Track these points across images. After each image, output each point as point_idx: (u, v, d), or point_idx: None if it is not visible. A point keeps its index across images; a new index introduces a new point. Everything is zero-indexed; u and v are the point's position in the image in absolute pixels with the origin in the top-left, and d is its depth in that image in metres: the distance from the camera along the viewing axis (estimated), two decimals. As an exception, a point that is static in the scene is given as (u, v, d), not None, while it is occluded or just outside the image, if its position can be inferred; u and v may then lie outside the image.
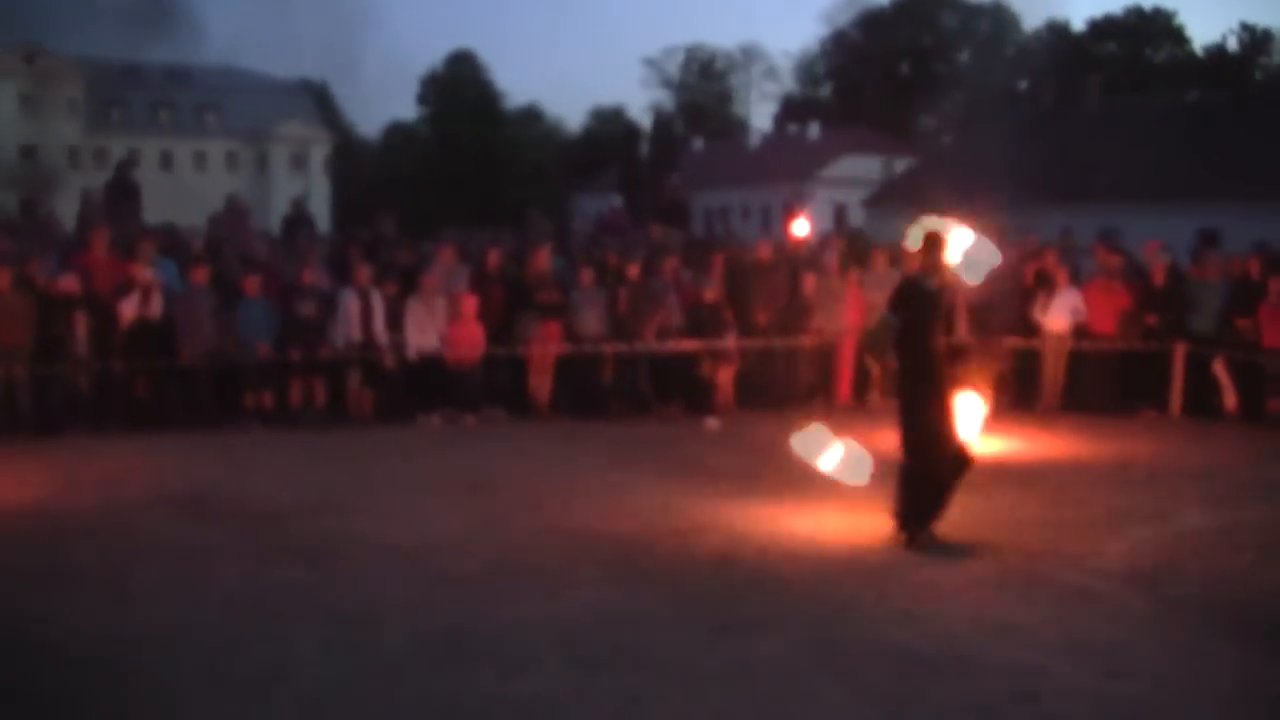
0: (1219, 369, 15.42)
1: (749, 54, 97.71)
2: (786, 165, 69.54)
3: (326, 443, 13.70)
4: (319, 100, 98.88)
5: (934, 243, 9.03)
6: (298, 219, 19.29)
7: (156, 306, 14.49)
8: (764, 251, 16.78)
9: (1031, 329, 16.03)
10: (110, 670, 6.31)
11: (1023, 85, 69.37)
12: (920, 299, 8.96)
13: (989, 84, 65.69)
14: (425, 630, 6.88)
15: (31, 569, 8.31)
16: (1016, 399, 15.43)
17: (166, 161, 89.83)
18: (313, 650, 6.56)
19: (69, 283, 14.18)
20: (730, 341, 15.71)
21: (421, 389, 15.11)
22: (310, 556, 8.51)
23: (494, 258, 15.89)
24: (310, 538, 9.07)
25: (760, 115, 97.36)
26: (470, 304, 15.13)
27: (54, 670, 6.33)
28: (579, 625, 6.98)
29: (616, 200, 24.64)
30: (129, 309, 14.37)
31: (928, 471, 8.78)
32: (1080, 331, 15.97)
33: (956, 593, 7.69)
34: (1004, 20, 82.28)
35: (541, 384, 15.51)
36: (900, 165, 62.50)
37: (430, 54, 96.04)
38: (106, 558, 8.59)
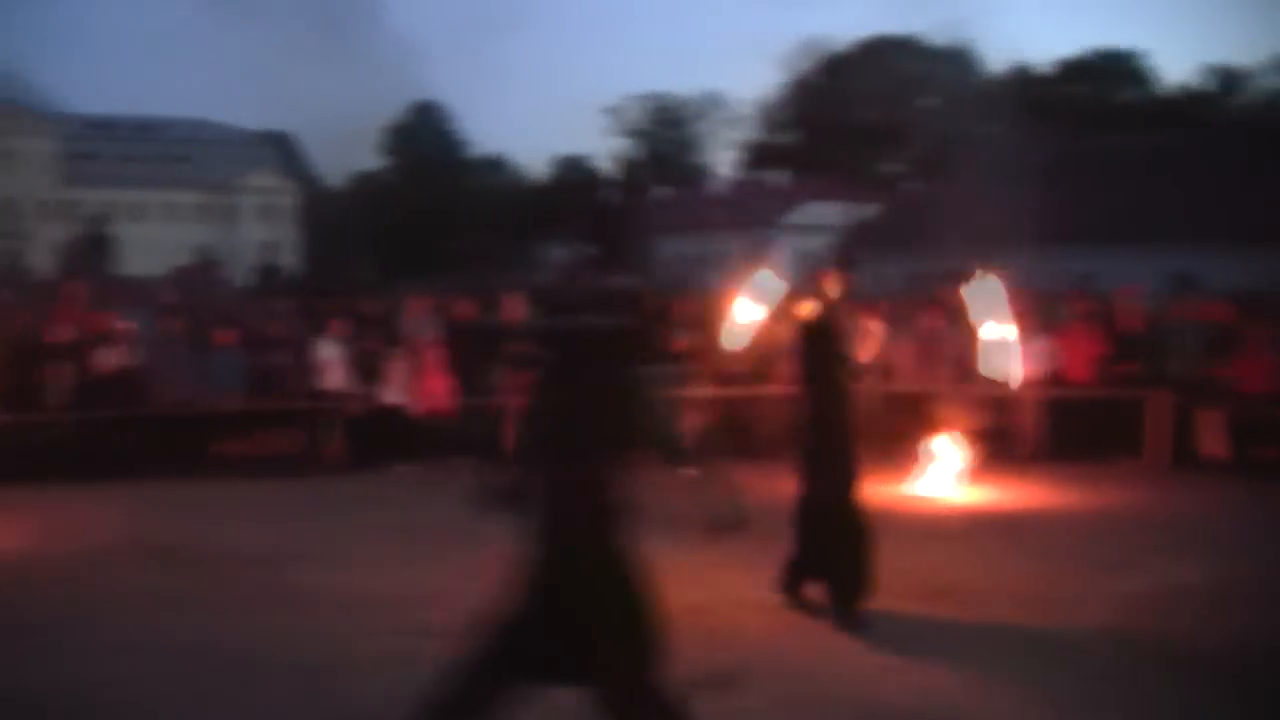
0: (1202, 416, 15.35)
1: (711, 101, 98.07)
2: (750, 212, 69.76)
3: (298, 492, 13.66)
4: (287, 151, 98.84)
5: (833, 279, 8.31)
6: (268, 269, 19.28)
7: (130, 356, 14.48)
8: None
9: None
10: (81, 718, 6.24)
11: (988, 129, 69.81)
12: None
13: (953, 129, 66.04)
14: (398, 682, 6.77)
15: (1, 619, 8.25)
16: (994, 448, 15.29)
17: (138, 213, 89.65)
18: (284, 702, 6.50)
19: (52, 333, 14.21)
20: (701, 390, 15.68)
21: (393, 439, 15.06)
22: (282, 607, 8.47)
23: (464, 308, 15.87)
24: (282, 588, 9.03)
25: (723, 162, 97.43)
26: (441, 354, 15.10)
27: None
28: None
29: (583, 249, 24.72)
30: (104, 359, 14.36)
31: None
32: (1054, 379, 15.93)
33: (935, 645, 7.64)
34: (968, 64, 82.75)
35: (514, 434, 15.40)
36: (864, 211, 62.72)
37: (396, 104, 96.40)
38: (77, 607, 8.53)
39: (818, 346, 8.17)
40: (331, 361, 14.91)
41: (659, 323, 9.94)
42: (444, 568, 9.70)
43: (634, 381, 4.95)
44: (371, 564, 9.84)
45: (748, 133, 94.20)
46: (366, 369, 15.06)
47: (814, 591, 8.28)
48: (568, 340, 5.03)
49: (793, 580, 8.40)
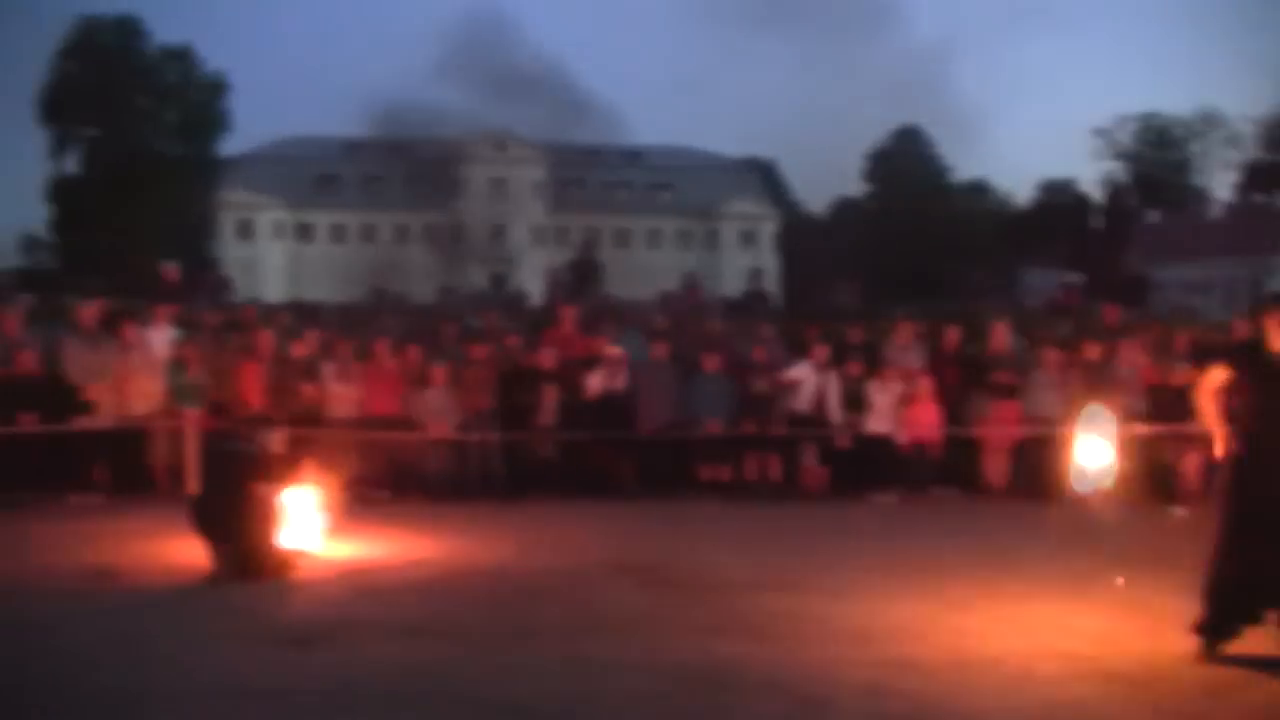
0: None
1: (1208, 120, 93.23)
2: (1253, 237, 65.94)
3: (778, 517, 13.80)
4: (768, 177, 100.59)
5: None
6: (753, 295, 19.65)
7: (620, 380, 15.04)
8: (1239, 332, 15.83)
9: None
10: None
11: None
12: None
13: None
14: (878, 715, 6.68)
15: (494, 628, 8.61)
16: None
17: (622, 239, 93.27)
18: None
19: (543, 356, 14.91)
20: (1198, 427, 14.84)
21: (874, 467, 15.02)
22: (762, 632, 8.46)
23: (951, 336, 15.68)
24: (762, 613, 9.04)
25: (1221, 185, 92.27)
26: (927, 383, 14.98)
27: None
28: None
29: (1071, 277, 23.94)
30: (594, 381, 14.96)
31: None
32: None
33: None
34: None
35: (997, 466, 15.14)
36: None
37: (877, 131, 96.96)
38: (564, 621, 8.82)
39: (1262, 376, 8.01)
40: (816, 388, 15.04)
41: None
42: (922, 601, 9.46)
43: None
44: (848, 593, 9.73)
45: (1248, 153, 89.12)
46: (850, 396, 15.11)
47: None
48: None
49: (1228, 619, 7.83)
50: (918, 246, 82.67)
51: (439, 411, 14.94)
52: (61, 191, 72.35)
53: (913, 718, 6.66)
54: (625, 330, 15.94)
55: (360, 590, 9.75)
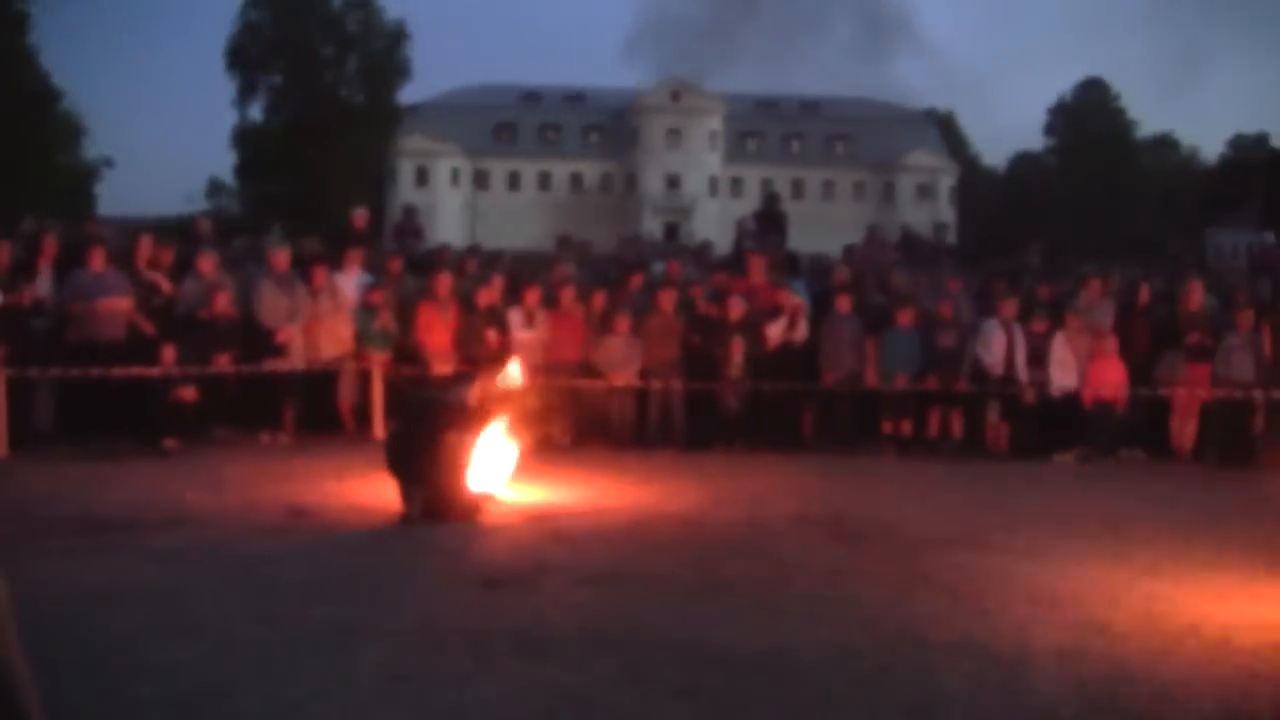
0: None
1: None
2: None
3: (961, 474, 13.73)
4: (945, 130, 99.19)
5: None
6: (936, 248, 19.47)
7: (801, 331, 15.03)
8: None
9: None
10: (771, 677, 6.47)
11: None
12: None
13: None
14: (1077, 680, 6.57)
15: (684, 577, 8.67)
16: None
17: (798, 191, 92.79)
18: (963, 688, 6.40)
19: (731, 306, 14.95)
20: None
21: (1058, 426, 14.81)
22: (950, 590, 8.39)
23: (1144, 294, 15.38)
24: (949, 570, 8.96)
25: None
26: (1113, 341, 14.73)
27: (720, 673, 6.53)
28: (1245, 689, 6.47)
29: (1269, 237, 23.27)
30: (774, 331, 14.97)
31: None
32: None
33: None
34: None
35: (1185, 428, 14.84)
36: None
37: (1060, 84, 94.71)
38: (754, 572, 8.84)
39: None
40: (1003, 345, 14.87)
41: None
42: (1109, 564, 9.30)
43: None
44: (1034, 553, 9.60)
45: None
46: (1035, 352, 14.92)
47: None
48: None
49: None
50: (1100, 202, 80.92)
51: (622, 359, 15.05)
52: (246, 138, 73.93)
53: (1111, 683, 6.53)
54: (791, 281, 15.89)
55: (548, 535, 9.89)
